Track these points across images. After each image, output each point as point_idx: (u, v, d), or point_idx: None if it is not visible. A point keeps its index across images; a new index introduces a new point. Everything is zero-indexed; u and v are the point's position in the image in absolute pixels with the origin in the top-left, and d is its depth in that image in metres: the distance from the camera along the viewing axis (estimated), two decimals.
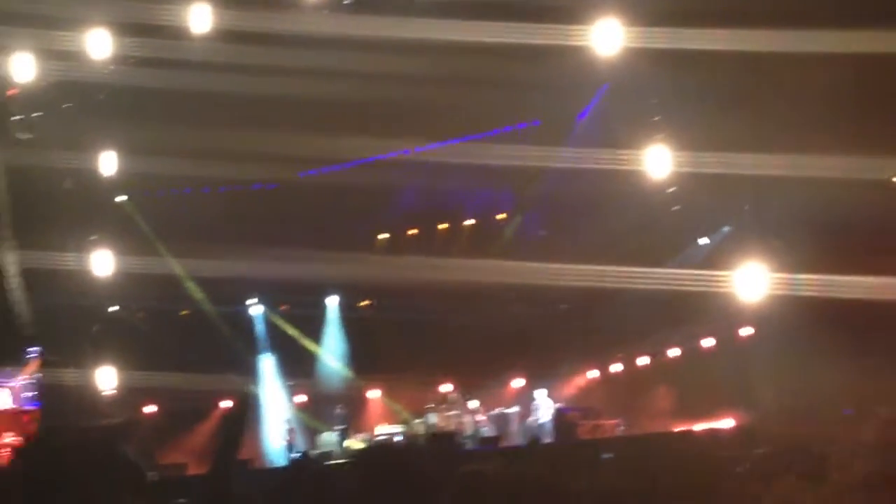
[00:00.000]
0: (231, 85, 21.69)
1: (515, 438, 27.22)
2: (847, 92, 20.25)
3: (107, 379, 25.50)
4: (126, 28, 21.95)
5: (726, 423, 23.99)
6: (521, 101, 23.74)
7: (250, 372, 28.69)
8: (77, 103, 23.23)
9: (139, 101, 22.67)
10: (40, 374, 25.34)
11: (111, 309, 26.58)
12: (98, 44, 21.88)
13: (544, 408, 27.13)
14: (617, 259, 24.56)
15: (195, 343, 27.11)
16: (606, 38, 21.06)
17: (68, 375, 24.47)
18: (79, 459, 5.21)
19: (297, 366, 29.22)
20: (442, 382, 28.15)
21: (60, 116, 23.44)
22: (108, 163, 24.11)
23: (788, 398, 22.04)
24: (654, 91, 22.88)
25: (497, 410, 27.92)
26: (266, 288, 28.57)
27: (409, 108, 22.68)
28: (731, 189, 22.91)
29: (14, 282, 24.28)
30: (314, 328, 29.61)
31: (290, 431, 27.61)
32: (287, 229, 25.30)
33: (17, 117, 23.50)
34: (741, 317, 24.63)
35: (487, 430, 27.19)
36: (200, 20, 21.47)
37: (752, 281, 22.55)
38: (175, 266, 26.73)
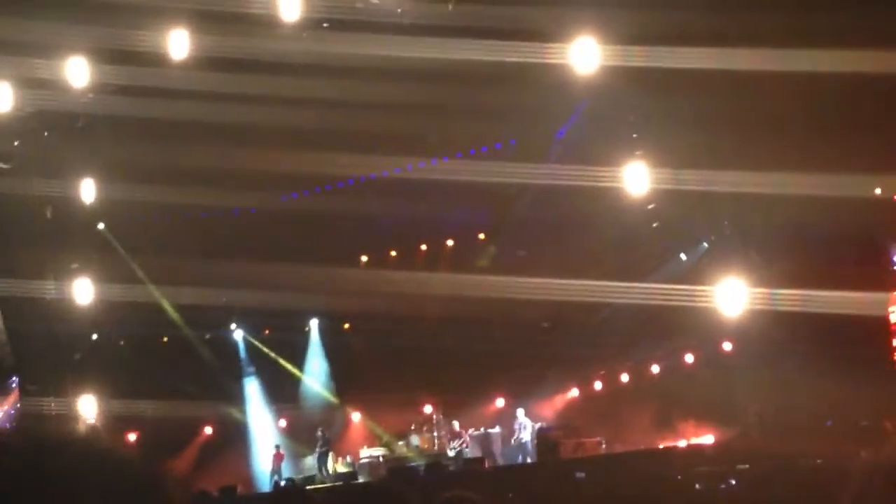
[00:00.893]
0: (209, 111, 21.71)
1: (499, 459, 27.24)
2: (826, 109, 20.41)
3: (88, 407, 25.40)
4: (104, 56, 21.94)
5: (708, 438, 24.10)
6: (498, 121, 23.79)
7: (234, 397, 28.57)
8: (56, 132, 23.20)
9: (118, 128, 22.66)
10: (20, 405, 25.33)
11: (92, 337, 26.53)
12: (76, 72, 21.85)
13: (527, 427, 27.14)
14: (597, 276, 24.67)
15: (177, 369, 27.10)
16: (584, 56, 21.16)
17: (49, 405, 24.39)
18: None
19: (280, 389, 29.12)
20: (424, 404, 28.14)
21: (39, 145, 23.42)
22: (87, 190, 24.05)
23: (770, 412, 22.14)
24: (631, 109, 22.95)
25: (481, 430, 27.85)
26: (248, 312, 28.50)
27: (388, 131, 22.73)
28: (710, 205, 23.03)
29: None
30: (297, 352, 29.51)
31: (276, 456, 27.53)
32: (267, 253, 25.16)
33: None
34: (722, 332, 24.70)
35: (470, 452, 27.16)
36: (179, 47, 21.48)
37: (732, 296, 22.65)
38: (156, 293, 26.63)
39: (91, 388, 25.35)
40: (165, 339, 28.29)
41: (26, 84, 22.20)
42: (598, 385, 29.09)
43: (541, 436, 26.14)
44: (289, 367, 29.39)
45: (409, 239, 28.55)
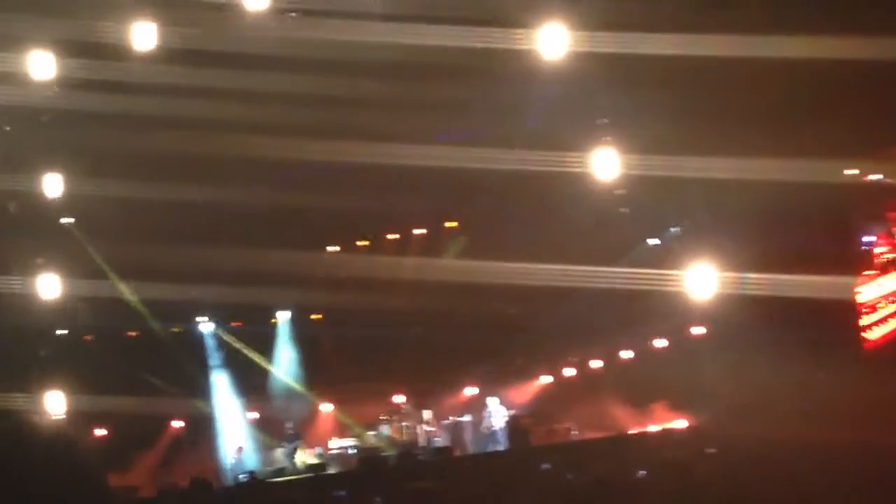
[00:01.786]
0: (175, 103, 21.56)
1: (469, 447, 27.23)
2: (796, 94, 20.51)
3: (55, 404, 25.22)
4: (68, 49, 21.74)
5: (680, 423, 24.20)
6: (467, 109, 23.71)
7: (203, 390, 28.42)
8: (19, 126, 22.90)
9: (83, 122, 22.33)
10: None
11: (58, 332, 26.31)
12: (40, 65, 21.62)
13: (497, 415, 27.14)
14: (567, 262, 24.68)
15: (145, 364, 26.94)
16: (552, 42, 21.13)
17: (14, 401, 24.18)
18: None
19: (250, 382, 29.00)
20: (394, 394, 28.08)
21: (2, 139, 23.16)
22: (53, 185, 23.81)
23: (742, 396, 22.22)
24: (600, 95, 22.92)
25: (450, 419, 27.82)
26: (215, 305, 28.35)
27: (356, 120, 22.65)
28: (680, 190, 23.07)
29: None
30: (265, 344, 29.38)
31: (238, 450, 27.40)
32: (234, 246, 24.96)
33: None
34: (692, 316, 24.83)
35: (441, 441, 27.13)
36: (144, 39, 21.29)
37: (702, 280, 22.73)
38: (123, 287, 26.43)
39: (57, 385, 25.17)
40: (132, 333, 28.10)
41: None
42: (570, 371, 29.07)
43: (511, 423, 26.19)
44: (257, 359, 29.16)
45: (377, 229, 28.45)
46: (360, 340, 27.90)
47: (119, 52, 21.33)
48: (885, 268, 22.62)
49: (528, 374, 29.30)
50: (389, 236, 28.85)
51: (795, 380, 20.94)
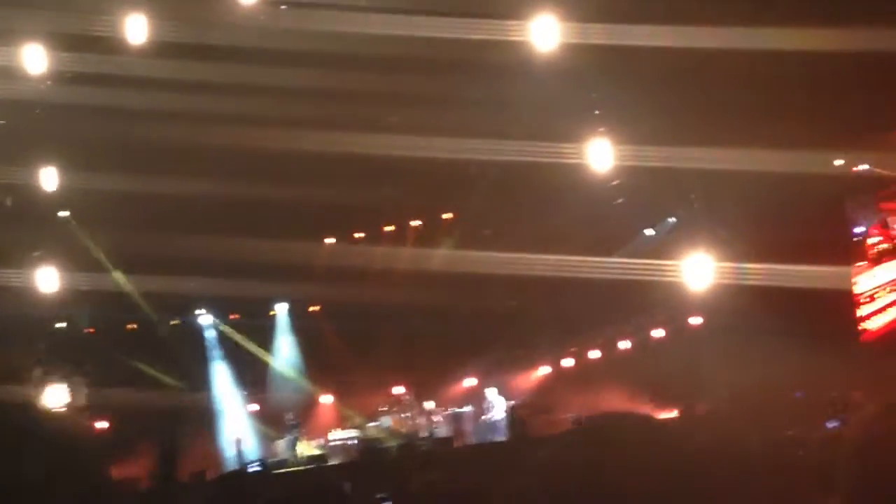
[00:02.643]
0: (168, 96, 21.61)
1: (470, 437, 27.27)
2: (792, 86, 20.47)
3: (56, 397, 25.41)
4: (61, 42, 21.80)
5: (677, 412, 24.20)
6: (459, 99, 23.74)
7: (203, 382, 28.54)
8: (13, 119, 22.91)
9: (78, 115, 22.36)
10: None
11: (57, 325, 26.53)
12: (33, 58, 21.69)
13: (497, 406, 27.21)
14: (564, 252, 24.76)
15: (145, 356, 27.07)
16: (544, 34, 21.12)
17: (14, 394, 24.36)
18: None
19: (250, 374, 29.14)
20: (394, 385, 28.12)
21: None
22: (48, 178, 23.91)
23: (739, 385, 22.25)
24: (594, 86, 22.89)
25: (450, 410, 27.89)
26: (214, 297, 28.40)
27: (348, 112, 22.71)
28: (676, 181, 23.08)
29: None
30: (265, 336, 29.48)
31: (238, 441, 27.50)
32: (232, 238, 25.01)
33: None
34: (690, 306, 24.88)
35: (442, 431, 27.18)
36: (136, 32, 21.35)
37: (699, 271, 22.76)
38: (121, 280, 26.55)
39: (57, 378, 25.36)
40: (132, 326, 28.14)
41: None
42: (568, 362, 29.08)
43: (511, 413, 26.23)
44: (257, 351, 29.26)
45: (373, 221, 28.41)
46: (359, 332, 27.90)
47: (111, 45, 21.39)
48: (879, 258, 22.56)
49: (528, 364, 29.30)
50: (386, 228, 28.82)
51: (792, 369, 21.01)
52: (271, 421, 28.37)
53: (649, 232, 25.93)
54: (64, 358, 25.73)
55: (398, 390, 28.13)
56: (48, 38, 21.80)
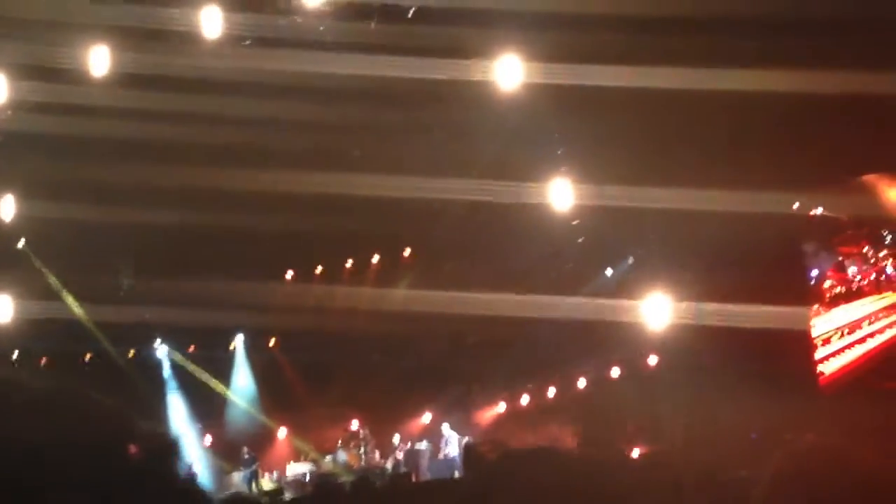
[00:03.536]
0: (130, 128, 21.54)
1: (426, 474, 27.23)
2: (753, 129, 20.65)
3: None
4: (21, 72, 21.69)
5: (634, 452, 24.20)
6: (422, 138, 23.81)
7: (159, 414, 28.39)
8: None
9: (37, 145, 22.30)
10: None
11: (12, 356, 26.36)
12: None
13: (452, 442, 27.21)
14: (524, 291, 24.81)
15: (100, 388, 26.73)
16: (507, 73, 21.19)
17: None
18: None
19: (205, 406, 29.00)
20: (351, 419, 28.08)
21: None
22: (6, 208, 23.76)
23: (695, 426, 22.30)
24: (556, 125, 22.99)
25: (407, 445, 27.85)
26: (172, 329, 28.35)
27: (311, 148, 22.71)
28: (635, 221, 23.17)
29: None
30: (222, 368, 29.40)
31: (191, 474, 27.38)
32: (191, 270, 24.97)
33: None
34: (647, 346, 24.98)
35: (399, 467, 27.15)
36: (98, 63, 21.27)
37: (657, 310, 22.84)
38: (77, 310, 26.38)
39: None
40: (87, 356, 28.06)
41: None
42: (524, 399, 29.16)
43: (468, 450, 26.11)
44: (214, 383, 29.16)
45: (334, 255, 28.39)
46: (316, 366, 27.90)
47: (74, 77, 21.32)
48: (835, 301, 22.75)
49: (485, 401, 29.39)
50: (346, 263, 28.86)
51: (748, 410, 21.09)
52: (226, 454, 28.27)
53: (608, 271, 25.86)
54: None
55: (355, 425, 28.04)
56: (8, 69, 21.74)
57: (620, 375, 27.11)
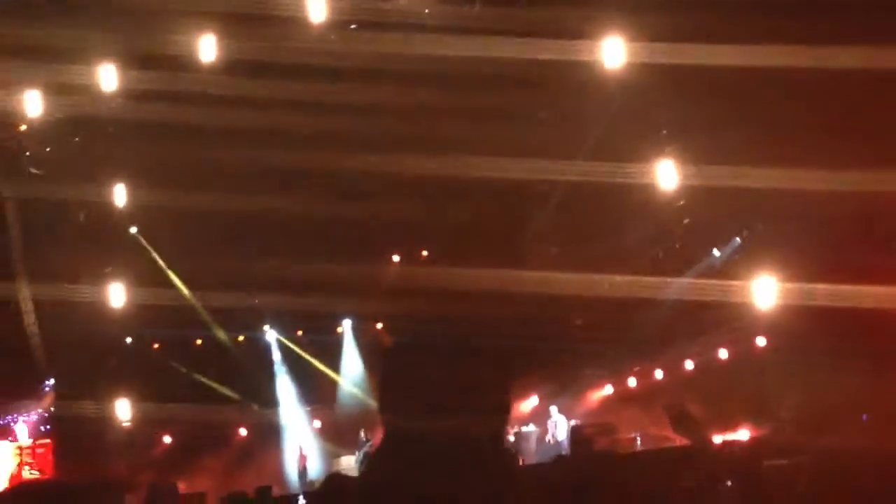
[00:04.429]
0: (237, 114, 21.89)
1: (533, 457, 27.35)
2: (861, 105, 20.43)
3: (123, 411, 25.86)
4: (133, 61, 22.18)
5: (743, 434, 24.11)
6: (529, 121, 23.92)
7: (268, 398, 28.87)
8: (87, 137, 23.52)
9: (148, 133, 22.83)
10: (54, 408, 25.84)
11: (126, 340, 27.06)
12: (105, 77, 22.08)
13: (560, 425, 27.39)
14: (630, 273, 24.86)
15: (211, 371, 27.53)
16: (611, 54, 21.22)
17: (83, 408, 24.86)
18: None
19: (314, 390, 29.53)
20: None
21: (71, 150, 23.71)
22: (119, 195, 24.34)
23: (806, 407, 22.15)
24: (660, 106, 22.95)
25: (515, 429, 28.00)
26: (280, 314, 28.84)
27: (418, 132, 22.90)
28: (742, 201, 23.04)
29: (29, 317, 24.63)
30: (330, 352, 29.81)
31: (302, 458, 27.86)
32: (299, 255, 25.26)
33: (29, 153, 23.87)
34: (756, 327, 24.92)
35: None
36: (206, 51, 21.68)
37: (764, 291, 22.76)
38: (188, 295, 26.98)
39: (125, 392, 25.76)
40: (199, 341, 28.65)
41: (56, 90, 22.50)
42: (632, 382, 29.26)
43: (575, 433, 26.22)
44: (322, 367, 29.56)
45: (438, 240, 28.63)
46: (423, 348, 28.05)
47: (182, 64, 21.77)
48: None
49: (593, 384, 29.58)
50: (450, 247, 28.99)
51: (858, 390, 20.90)
52: (336, 437, 28.64)
53: (716, 252, 25.81)
54: (132, 372, 26.00)
55: None
56: (120, 58, 22.24)
57: (728, 357, 26.98)
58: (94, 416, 25.15)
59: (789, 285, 22.50)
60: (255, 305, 27.56)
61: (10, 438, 26.02)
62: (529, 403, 29.32)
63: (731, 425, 24.28)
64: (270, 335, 29.46)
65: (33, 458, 25.66)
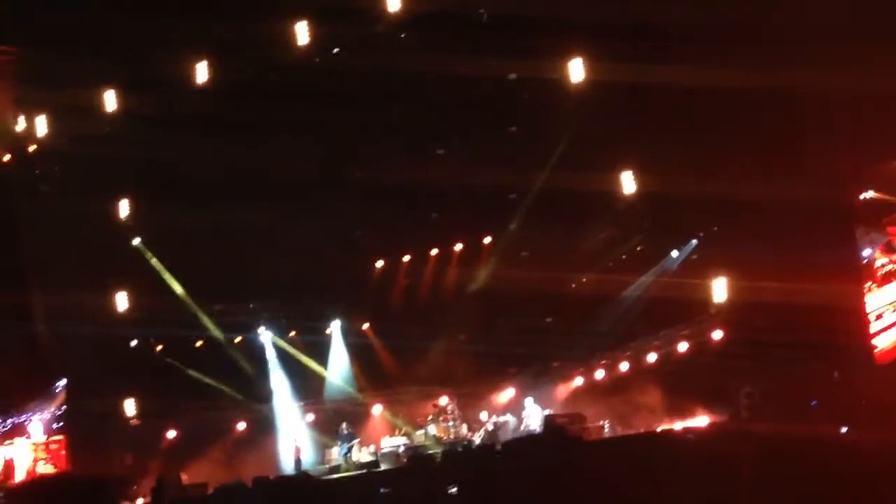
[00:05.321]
0: (231, 134, 23.50)
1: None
2: (798, 116, 21.79)
3: (130, 408, 27.08)
4: (133, 84, 23.63)
5: (702, 421, 25.24)
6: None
7: (263, 395, 30.22)
8: (92, 155, 24.45)
9: (149, 149, 23.98)
10: (66, 406, 27.04)
11: (132, 343, 28.31)
12: (108, 100, 23.61)
13: (534, 415, 28.21)
14: (598, 272, 26.20)
15: (210, 370, 28.74)
16: (576, 70, 22.79)
17: (93, 406, 26.06)
18: None
19: (306, 387, 30.74)
20: (440, 396, 29.47)
21: (77, 168, 25.06)
22: (123, 209, 25.67)
23: (758, 396, 23.37)
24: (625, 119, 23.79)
25: (492, 419, 29.01)
26: (274, 316, 30.34)
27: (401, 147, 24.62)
28: (696, 207, 24.25)
29: (42, 322, 25.85)
30: (320, 351, 31.11)
31: (296, 449, 28.99)
32: (290, 259, 26.57)
33: (39, 171, 25.22)
34: (712, 322, 26.15)
35: (484, 438, 28.39)
36: (201, 75, 23.29)
37: (720, 288, 24.13)
38: (188, 300, 28.30)
39: (132, 391, 27.06)
40: (199, 343, 29.73)
41: (63, 112, 23.93)
42: (599, 374, 30.10)
43: (548, 422, 27.26)
44: (313, 365, 30.93)
45: (419, 243, 30.01)
46: (407, 348, 29.55)
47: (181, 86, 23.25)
48: (887, 278, 23.38)
49: (562, 377, 30.45)
50: (431, 251, 30.42)
51: (807, 379, 22.16)
52: (327, 430, 29.87)
53: (674, 253, 27.31)
54: (137, 372, 27.36)
55: (443, 401, 29.37)
56: (121, 82, 23.69)
57: (687, 350, 27.82)
58: (103, 413, 26.44)
59: (742, 283, 23.84)
60: (250, 309, 29.21)
61: (25, 436, 27.32)
62: (506, 395, 30.42)
63: (690, 413, 25.63)
64: (265, 336, 30.68)
65: (47, 453, 26.93)
